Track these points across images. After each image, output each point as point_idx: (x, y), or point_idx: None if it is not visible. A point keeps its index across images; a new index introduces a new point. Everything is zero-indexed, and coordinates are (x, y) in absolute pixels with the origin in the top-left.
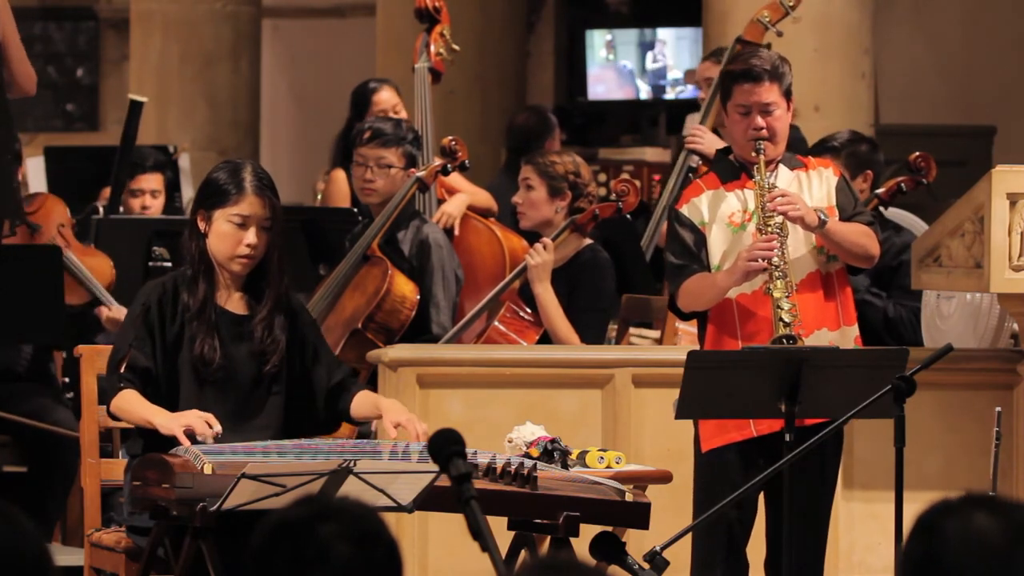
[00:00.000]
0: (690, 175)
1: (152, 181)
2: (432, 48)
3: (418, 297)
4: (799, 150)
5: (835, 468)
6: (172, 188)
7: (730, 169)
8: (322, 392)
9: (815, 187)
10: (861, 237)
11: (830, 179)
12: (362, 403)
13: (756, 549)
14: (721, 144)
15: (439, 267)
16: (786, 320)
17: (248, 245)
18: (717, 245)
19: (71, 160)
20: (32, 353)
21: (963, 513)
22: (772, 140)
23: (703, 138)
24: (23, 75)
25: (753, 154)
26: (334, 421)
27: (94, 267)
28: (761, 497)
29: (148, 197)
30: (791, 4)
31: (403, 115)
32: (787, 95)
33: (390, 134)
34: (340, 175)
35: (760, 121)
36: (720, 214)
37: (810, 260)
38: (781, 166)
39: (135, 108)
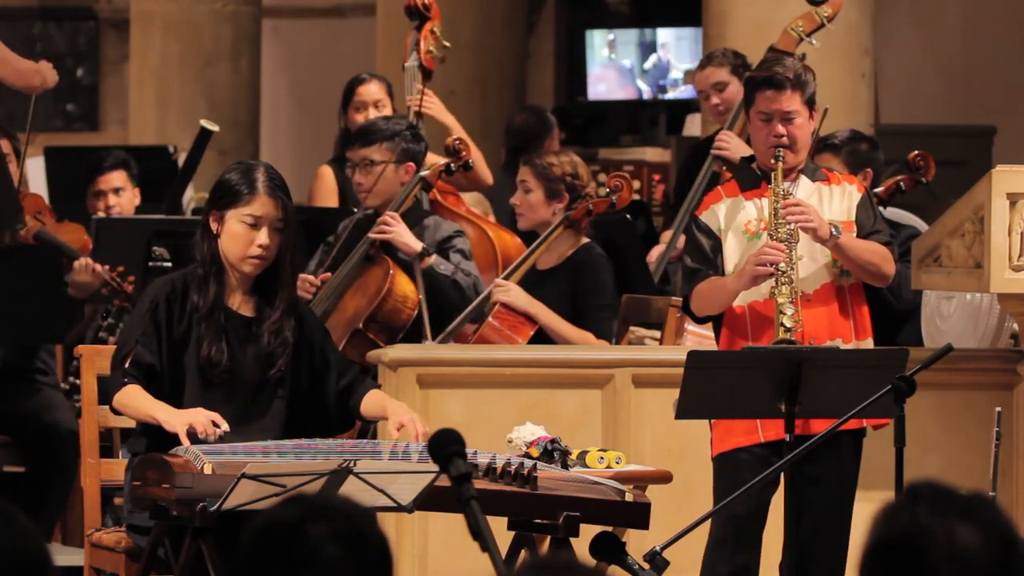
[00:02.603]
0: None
1: (113, 180)
2: (422, 46)
3: (421, 296)
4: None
5: (854, 474)
6: (147, 186)
7: (751, 177)
8: (332, 395)
9: (836, 201)
10: (875, 256)
11: (853, 195)
12: (372, 403)
13: (773, 553)
14: (748, 149)
15: (460, 247)
16: (787, 325)
17: (260, 246)
18: (732, 253)
19: (71, 160)
20: (28, 351)
21: (942, 526)
22: (792, 148)
23: (730, 144)
24: (14, 75)
25: (772, 161)
26: (346, 421)
27: (67, 236)
28: (781, 500)
29: (111, 196)
30: (827, 15)
31: (387, 110)
32: (810, 104)
33: (370, 132)
34: (327, 172)
35: (781, 129)
36: (737, 222)
37: (824, 272)
38: (803, 176)
39: (204, 135)
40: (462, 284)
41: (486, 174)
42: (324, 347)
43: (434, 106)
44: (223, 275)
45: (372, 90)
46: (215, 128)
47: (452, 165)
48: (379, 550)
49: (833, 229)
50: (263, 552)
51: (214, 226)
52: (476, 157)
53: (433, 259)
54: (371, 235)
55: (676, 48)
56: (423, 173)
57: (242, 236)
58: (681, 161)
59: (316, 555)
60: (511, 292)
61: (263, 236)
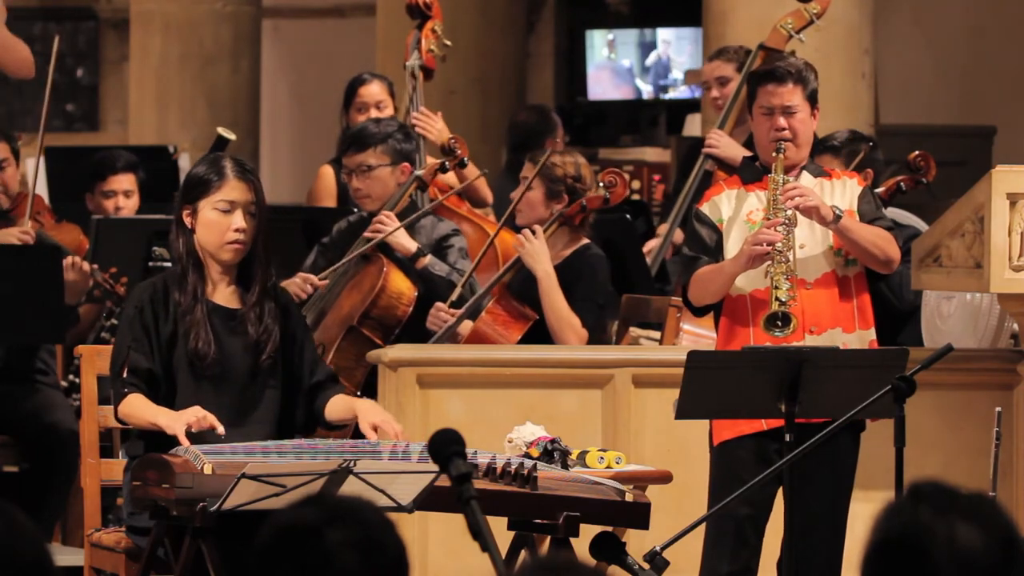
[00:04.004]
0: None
1: (124, 182)
2: (423, 44)
3: (416, 293)
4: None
5: (851, 471)
6: (148, 187)
7: (753, 172)
8: (303, 390)
9: (837, 195)
10: (878, 238)
11: (854, 188)
12: (336, 406)
13: (771, 550)
14: (738, 147)
15: (459, 247)
16: (782, 299)
17: (237, 230)
18: (734, 243)
19: (71, 160)
20: (28, 352)
21: (944, 526)
22: (794, 142)
23: (719, 142)
24: (14, 62)
25: (774, 154)
26: (310, 422)
27: (63, 238)
28: (780, 497)
29: (121, 197)
30: (816, 12)
31: (388, 111)
32: (811, 101)
33: (363, 137)
34: (327, 171)
35: (782, 122)
36: (739, 213)
37: (825, 260)
38: (804, 172)
39: (221, 143)
40: (462, 272)
41: (486, 193)
42: (303, 343)
43: (434, 132)
44: (201, 268)
45: (374, 91)
46: (232, 137)
47: (447, 163)
48: (395, 559)
49: (835, 210)
50: (278, 553)
51: (188, 220)
52: (479, 181)
53: (428, 260)
54: (367, 234)
55: (676, 48)
56: (418, 172)
57: (217, 223)
58: (681, 159)
59: (331, 561)
60: (532, 245)
61: (239, 219)
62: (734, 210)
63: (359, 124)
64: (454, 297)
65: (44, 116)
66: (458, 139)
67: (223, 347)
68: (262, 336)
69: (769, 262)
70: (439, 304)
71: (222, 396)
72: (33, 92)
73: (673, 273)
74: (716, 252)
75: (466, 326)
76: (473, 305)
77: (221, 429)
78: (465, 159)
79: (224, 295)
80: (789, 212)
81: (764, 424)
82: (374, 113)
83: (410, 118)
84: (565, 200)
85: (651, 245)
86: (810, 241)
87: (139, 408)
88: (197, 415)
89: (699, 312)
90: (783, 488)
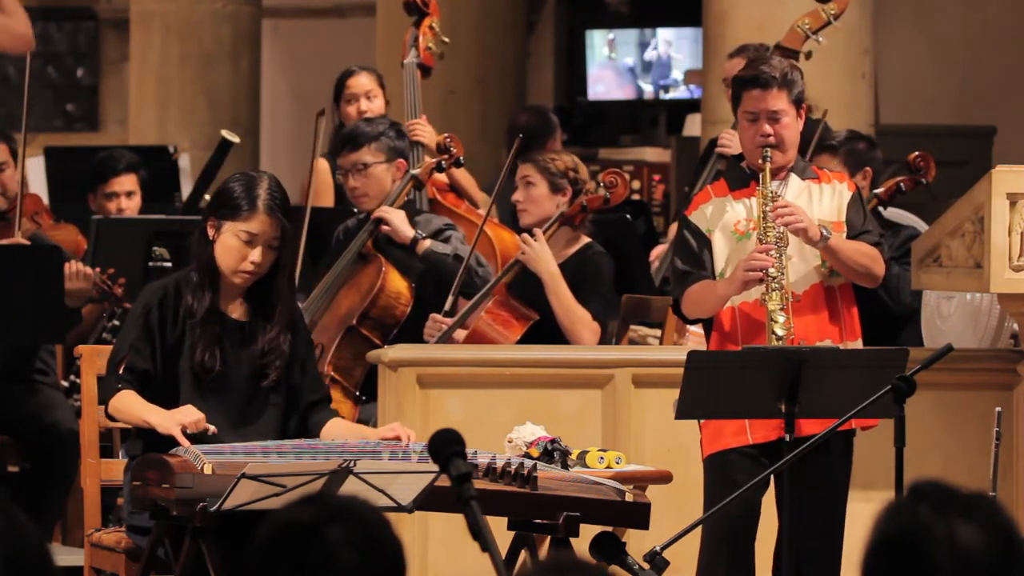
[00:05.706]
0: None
1: (126, 183)
2: (421, 42)
3: (413, 294)
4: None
5: (846, 473)
6: (148, 186)
7: (740, 176)
8: (302, 406)
9: (825, 199)
10: (864, 257)
11: (843, 193)
12: (335, 432)
13: (767, 554)
14: None
15: (457, 235)
16: (779, 333)
17: (252, 262)
18: (721, 252)
19: (71, 160)
20: (28, 352)
21: (944, 526)
22: (780, 148)
23: (732, 142)
24: (12, 38)
25: (760, 161)
26: (302, 436)
27: (60, 238)
28: (774, 503)
29: (123, 199)
30: (833, 12)
31: (378, 101)
32: (797, 103)
33: (356, 136)
34: (323, 165)
35: (768, 128)
36: (725, 221)
37: (813, 273)
38: (792, 175)
39: (225, 145)
40: (464, 257)
41: (477, 196)
42: (306, 360)
43: (427, 136)
44: (218, 281)
45: (362, 82)
46: (236, 140)
47: (443, 162)
48: (393, 557)
49: (823, 230)
50: (276, 552)
51: (211, 232)
52: (469, 182)
53: (428, 243)
54: (373, 215)
55: (676, 48)
56: (414, 171)
57: (235, 250)
58: (689, 160)
59: (330, 559)
60: (533, 249)
61: (256, 254)
62: (718, 219)
63: (351, 123)
64: (449, 305)
65: (24, 118)
66: (453, 138)
67: (228, 361)
68: (271, 361)
69: (763, 290)
70: (434, 315)
71: (224, 407)
72: (33, 93)
73: None
74: (705, 262)
75: (460, 334)
76: (467, 314)
77: (213, 428)
78: (461, 158)
79: (234, 307)
80: (780, 230)
81: (750, 439)
82: (364, 103)
83: (407, 123)
84: (569, 192)
85: (658, 251)
86: (798, 253)
87: (130, 404)
88: (194, 415)
89: (691, 322)
90: (776, 493)
